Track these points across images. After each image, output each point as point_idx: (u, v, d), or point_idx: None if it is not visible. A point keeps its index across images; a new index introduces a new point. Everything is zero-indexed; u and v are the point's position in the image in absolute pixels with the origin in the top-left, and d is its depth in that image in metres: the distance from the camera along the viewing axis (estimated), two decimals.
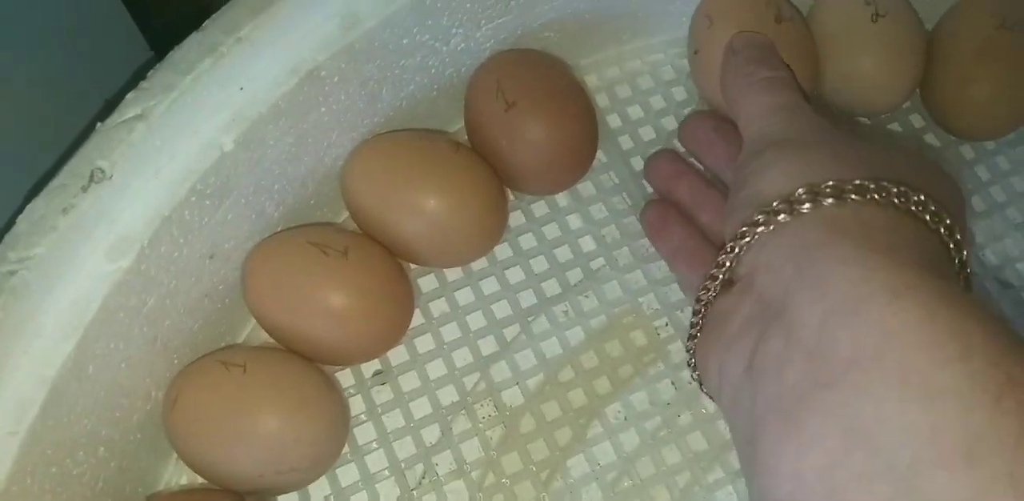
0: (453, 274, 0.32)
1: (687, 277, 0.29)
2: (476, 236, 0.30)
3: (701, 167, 0.32)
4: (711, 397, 0.25)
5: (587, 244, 0.32)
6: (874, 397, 0.17)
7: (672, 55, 0.36)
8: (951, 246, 0.22)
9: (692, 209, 0.30)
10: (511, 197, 0.32)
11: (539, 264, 0.32)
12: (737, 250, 0.22)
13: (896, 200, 0.21)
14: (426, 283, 0.31)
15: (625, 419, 0.29)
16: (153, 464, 0.27)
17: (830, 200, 0.21)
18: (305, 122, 0.27)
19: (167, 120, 0.24)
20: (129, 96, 0.24)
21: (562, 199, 0.33)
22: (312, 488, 0.27)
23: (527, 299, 0.31)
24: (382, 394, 0.29)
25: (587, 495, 0.28)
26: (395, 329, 0.28)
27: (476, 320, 0.31)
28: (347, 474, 0.28)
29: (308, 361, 0.27)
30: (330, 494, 0.27)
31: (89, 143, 0.23)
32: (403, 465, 0.28)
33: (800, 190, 0.21)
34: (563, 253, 0.32)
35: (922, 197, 0.21)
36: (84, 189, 0.22)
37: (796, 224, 0.21)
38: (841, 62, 0.32)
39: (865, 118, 0.35)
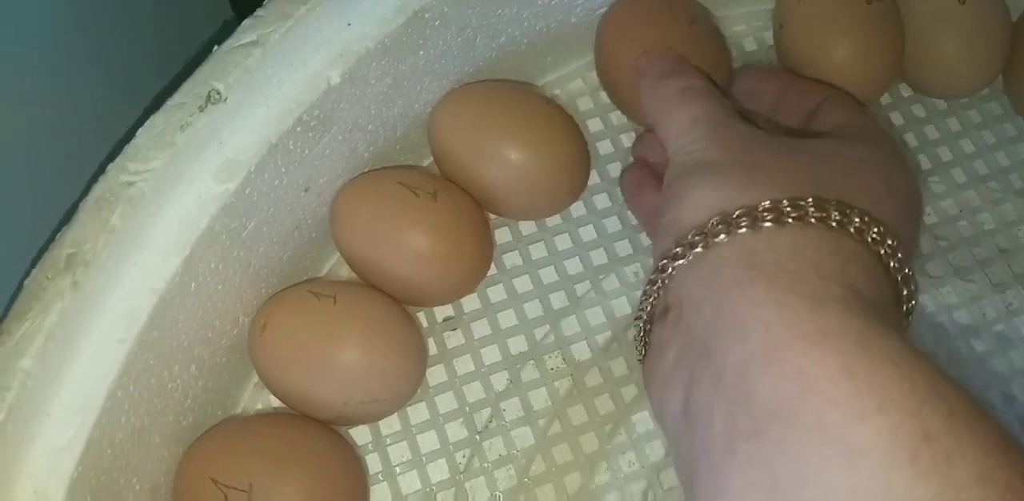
0: (527, 228, 0.32)
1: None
2: (558, 190, 0.30)
3: None
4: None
5: None
6: (794, 453, 0.17)
7: None
8: (892, 265, 0.21)
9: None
10: None
11: (612, 224, 0.32)
12: (664, 277, 0.22)
13: (814, 217, 0.20)
14: (500, 235, 0.31)
15: None
16: (234, 388, 0.27)
17: (743, 230, 0.20)
18: (404, 64, 0.27)
19: (280, 49, 0.24)
20: (246, 22, 0.24)
21: None
22: (383, 424, 0.28)
23: (599, 257, 0.31)
24: (452, 339, 0.30)
25: (650, 449, 0.29)
26: (474, 275, 0.29)
27: (548, 274, 0.31)
28: (417, 413, 0.28)
29: (392, 298, 0.27)
30: (400, 430, 0.28)
31: (207, 65, 0.24)
32: (470, 408, 0.29)
33: (714, 219, 0.21)
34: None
35: (848, 210, 0.21)
36: (201, 109, 0.23)
37: (712, 256, 0.21)
38: (925, 43, 0.33)
39: (943, 100, 0.35)
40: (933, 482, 0.16)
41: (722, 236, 0.20)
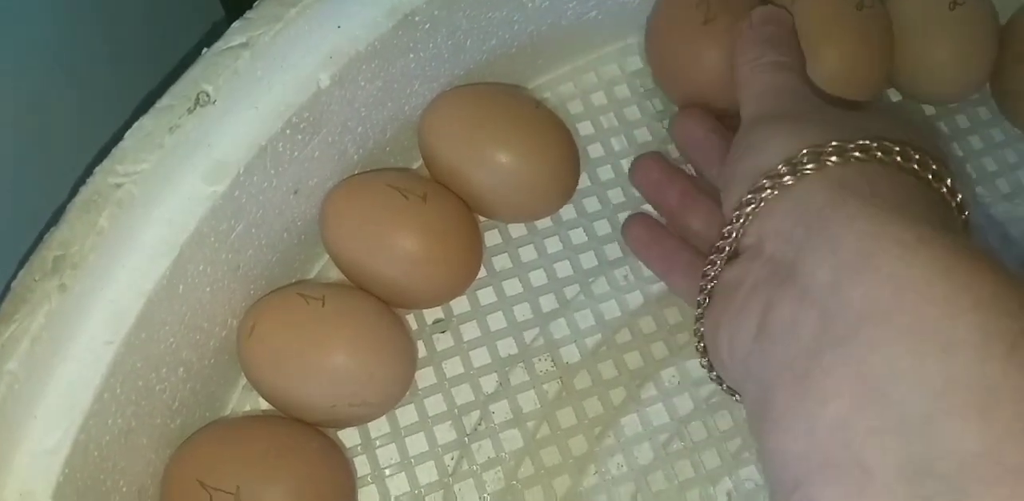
0: (517, 231, 0.32)
1: (685, 288, 0.28)
2: (548, 193, 0.30)
3: (690, 171, 0.32)
4: (718, 376, 0.25)
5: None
6: (888, 351, 0.17)
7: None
8: (954, 204, 0.22)
9: (683, 215, 0.29)
10: None
11: (602, 227, 0.32)
12: (743, 220, 0.22)
13: (898, 158, 0.21)
14: (490, 238, 0.32)
15: (679, 384, 0.30)
16: (222, 390, 0.27)
17: (834, 158, 0.21)
18: (393, 67, 0.28)
19: (270, 51, 0.24)
20: (236, 24, 0.24)
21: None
22: (372, 426, 0.28)
23: (588, 261, 0.32)
24: (441, 342, 0.30)
25: (638, 453, 0.29)
26: (464, 277, 0.29)
27: (538, 277, 0.31)
28: (406, 415, 0.28)
29: (381, 301, 0.27)
30: (388, 433, 0.28)
31: (196, 67, 0.24)
32: (459, 411, 0.29)
33: (804, 150, 0.21)
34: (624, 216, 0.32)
35: (924, 155, 0.21)
36: (190, 111, 0.23)
37: (802, 186, 0.21)
38: (914, 48, 0.33)
39: (931, 106, 0.35)
40: None
41: (811, 165, 0.21)
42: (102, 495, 0.22)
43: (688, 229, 0.29)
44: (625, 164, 0.33)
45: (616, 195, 0.33)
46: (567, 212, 0.32)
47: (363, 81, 0.27)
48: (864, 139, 0.21)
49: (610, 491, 0.28)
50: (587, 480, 0.28)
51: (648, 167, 0.31)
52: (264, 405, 0.27)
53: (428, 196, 0.27)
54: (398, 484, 0.27)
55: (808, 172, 0.21)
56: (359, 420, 0.26)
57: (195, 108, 0.23)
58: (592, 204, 0.32)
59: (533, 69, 0.34)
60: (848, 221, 0.19)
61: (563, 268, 0.31)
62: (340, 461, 0.25)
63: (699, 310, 0.24)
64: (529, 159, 0.29)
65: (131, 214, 0.22)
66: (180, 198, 0.23)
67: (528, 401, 0.29)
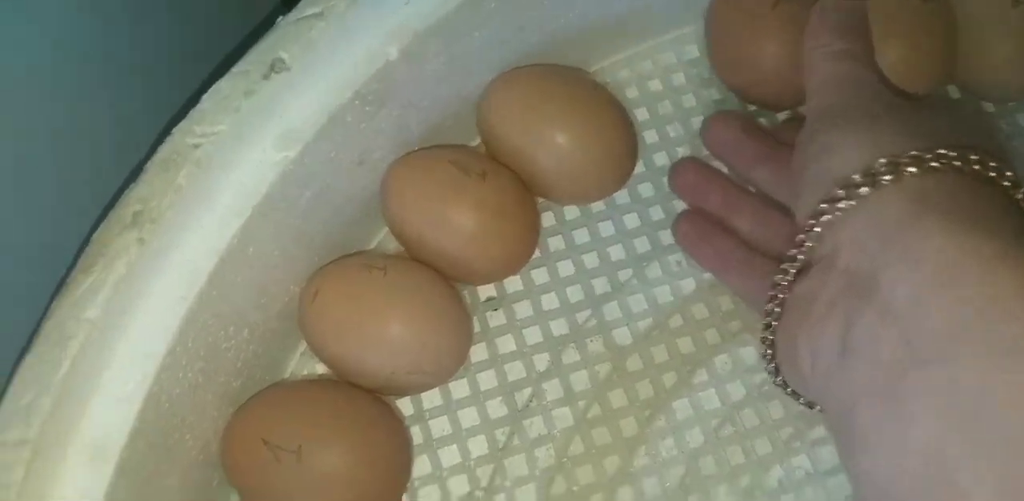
0: (571, 213, 0.32)
1: (741, 286, 0.28)
2: (604, 176, 0.30)
3: (726, 171, 0.31)
4: (789, 386, 0.24)
5: None
6: (975, 371, 0.17)
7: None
8: None
9: (728, 217, 0.29)
10: None
11: (656, 213, 0.32)
12: (819, 229, 0.22)
13: (976, 167, 0.21)
14: (545, 219, 0.32)
15: (732, 371, 0.30)
16: (281, 355, 0.28)
17: (912, 169, 0.20)
18: (458, 45, 0.28)
19: (342, 22, 0.25)
20: None
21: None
22: (425, 397, 0.28)
23: (642, 245, 0.32)
24: (494, 319, 0.30)
25: (689, 436, 0.29)
26: (520, 255, 0.29)
27: (591, 260, 0.31)
28: (459, 389, 0.28)
29: (439, 274, 0.27)
30: (441, 405, 0.28)
31: (272, 35, 0.24)
32: (511, 387, 0.29)
33: (881, 160, 0.21)
34: (681, 204, 0.32)
35: (1000, 164, 0.21)
36: (265, 77, 0.23)
37: (878, 197, 0.21)
38: (977, 45, 0.32)
39: (992, 103, 0.35)
40: None
41: (889, 176, 0.20)
42: (168, 448, 0.22)
43: (738, 230, 0.29)
44: (681, 151, 0.33)
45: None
46: (621, 197, 0.32)
47: (430, 56, 0.27)
48: (941, 148, 0.21)
49: (660, 473, 0.28)
50: (637, 461, 0.28)
51: (684, 173, 0.31)
52: (322, 371, 0.27)
53: (488, 174, 0.28)
54: (449, 456, 0.28)
55: (886, 183, 0.20)
56: (415, 389, 0.27)
57: (270, 75, 0.23)
58: (647, 190, 0.32)
59: (591, 54, 0.34)
60: (927, 236, 0.19)
61: (616, 252, 0.31)
62: (398, 427, 0.25)
63: (767, 319, 0.24)
64: (588, 141, 0.29)
65: (207, 174, 0.22)
66: (253, 162, 0.23)
67: (579, 381, 0.29)
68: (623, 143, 0.30)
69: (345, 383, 0.25)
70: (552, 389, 0.29)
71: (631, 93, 0.34)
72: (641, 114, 0.34)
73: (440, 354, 0.25)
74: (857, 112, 0.23)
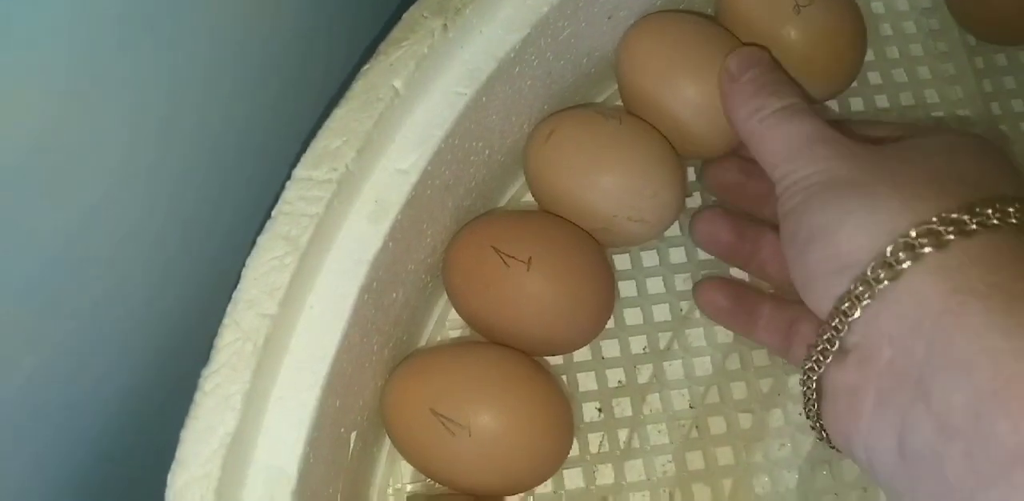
0: None
1: (771, 344, 0.27)
2: None
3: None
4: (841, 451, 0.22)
5: None
6: None
7: None
8: None
9: (750, 262, 0.27)
10: None
11: None
12: (840, 318, 0.20)
13: (996, 219, 0.19)
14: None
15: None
16: (499, 191, 0.29)
17: (928, 250, 0.18)
18: None
19: None
20: None
21: None
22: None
23: None
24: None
25: None
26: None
27: None
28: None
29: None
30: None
31: None
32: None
33: (890, 247, 0.19)
34: None
35: (1003, 205, 0.19)
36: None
37: (904, 287, 0.19)
38: None
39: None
40: None
41: (908, 263, 0.18)
42: (417, 234, 0.23)
43: (763, 271, 0.27)
44: None
45: None
46: None
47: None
48: (951, 211, 0.19)
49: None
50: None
51: (703, 221, 0.28)
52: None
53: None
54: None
55: (906, 269, 0.18)
56: (628, 239, 0.27)
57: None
58: None
59: None
60: (975, 338, 0.17)
61: None
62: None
63: (806, 404, 0.22)
64: None
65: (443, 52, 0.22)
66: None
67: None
68: None
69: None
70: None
71: None
72: None
73: (662, 205, 0.26)
74: (839, 182, 0.21)
